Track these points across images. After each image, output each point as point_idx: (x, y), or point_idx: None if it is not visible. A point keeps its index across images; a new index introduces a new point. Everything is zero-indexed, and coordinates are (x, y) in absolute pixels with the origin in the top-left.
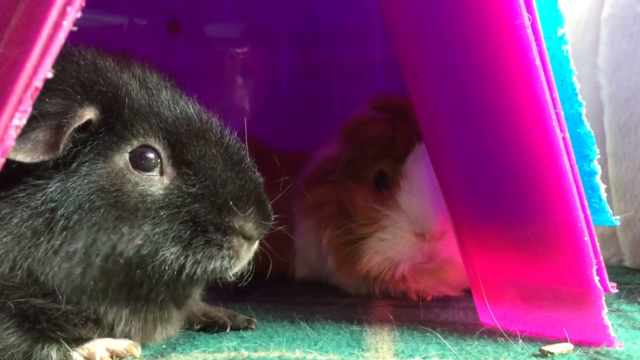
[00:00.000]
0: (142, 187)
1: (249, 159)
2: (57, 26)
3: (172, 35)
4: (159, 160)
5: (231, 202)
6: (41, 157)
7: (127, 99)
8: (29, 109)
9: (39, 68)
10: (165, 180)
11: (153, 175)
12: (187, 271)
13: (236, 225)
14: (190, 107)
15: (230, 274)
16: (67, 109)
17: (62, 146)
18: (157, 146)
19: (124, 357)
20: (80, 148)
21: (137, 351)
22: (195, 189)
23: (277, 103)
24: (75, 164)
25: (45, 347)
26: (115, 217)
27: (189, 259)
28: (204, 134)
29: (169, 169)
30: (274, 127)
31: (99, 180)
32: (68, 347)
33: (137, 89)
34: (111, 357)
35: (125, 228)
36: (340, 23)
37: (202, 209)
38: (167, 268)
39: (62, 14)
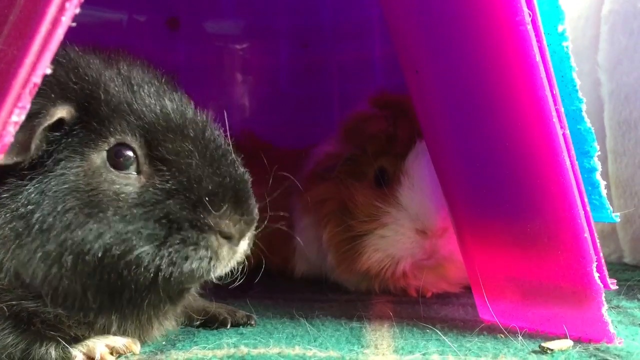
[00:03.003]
0: (117, 186)
1: (232, 155)
2: (55, 22)
3: (172, 32)
4: (135, 158)
5: (206, 199)
6: (15, 159)
7: (104, 96)
8: (28, 105)
9: (38, 64)
10: (142, 179)
11: (130, 174)
12: (163, 273)
13: (211, 223)
14: (172, 103)
15: (213, 276)
16: (41, 108)
17: (33, 146)
18: (133, 144)
19: (123, 354)
20: (55, 147)
21: (137, 347)
22: (169, 185)
23: (277, 99)
24: (50, 163)
25: (44, 345)
26: (86, 215)
27: (164, 260)
28: (181, 130)
29: (145, 167)
30: (273, 124)
31: (75, 180)
32: (67, 345)
33: (119, 85)
34: (111, 353)
35: (94, 226)
36: (340, 19)
37: (175, 205)
38: (142, 270)
39: (61, 9)
